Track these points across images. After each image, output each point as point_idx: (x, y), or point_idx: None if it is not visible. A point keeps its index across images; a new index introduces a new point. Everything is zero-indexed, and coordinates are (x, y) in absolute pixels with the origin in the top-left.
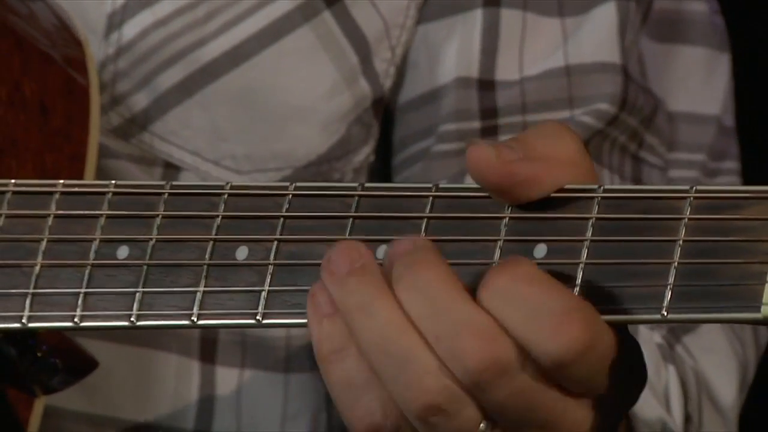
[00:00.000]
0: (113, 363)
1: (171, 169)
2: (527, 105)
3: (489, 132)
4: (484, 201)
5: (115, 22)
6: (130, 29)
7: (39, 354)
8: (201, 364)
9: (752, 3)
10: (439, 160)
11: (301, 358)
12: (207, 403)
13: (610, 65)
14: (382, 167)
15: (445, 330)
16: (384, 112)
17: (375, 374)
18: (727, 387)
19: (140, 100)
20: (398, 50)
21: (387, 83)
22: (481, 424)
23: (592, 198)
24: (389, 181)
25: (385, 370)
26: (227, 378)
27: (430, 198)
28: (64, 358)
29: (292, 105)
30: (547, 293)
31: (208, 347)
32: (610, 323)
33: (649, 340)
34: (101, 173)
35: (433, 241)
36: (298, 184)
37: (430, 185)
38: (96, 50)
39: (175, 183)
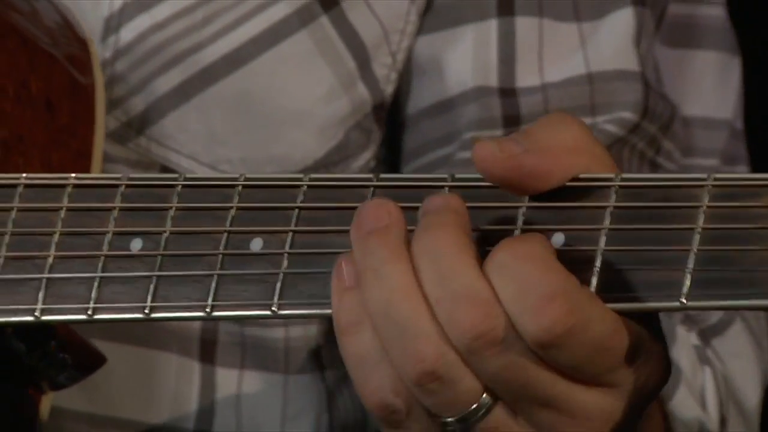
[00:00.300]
0: (114, 363)
1: (167, 173)
2: (550, 112)
3: None
4: (501, 190)
5: (112, 25)
6: (128, 33)
7: (48, 349)
8: (201, 364)
9: (757, 5)
10: (463, 167)
11: (301, 360)
12: (207, 404)
13: (631, 73)
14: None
15: (445, 295)
16: (392, 119)
17: (386, 351)
18: (751, 391)
19: (137, 104)
20: (399, 56)
21: (388, 89)
22: (483, 395)
23: (610, 186)
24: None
25: (387, 335)
26: (227, 379)
27: (446, 188)
28: (73, 354)
29: (289, 109)
30: (539, 273)
31: (207, 348)
32: (629, 312)
33: (686, 340)
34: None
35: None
36: (313, 175)
37: (445, 175)
38: (95, 47)
39: (188, 175)
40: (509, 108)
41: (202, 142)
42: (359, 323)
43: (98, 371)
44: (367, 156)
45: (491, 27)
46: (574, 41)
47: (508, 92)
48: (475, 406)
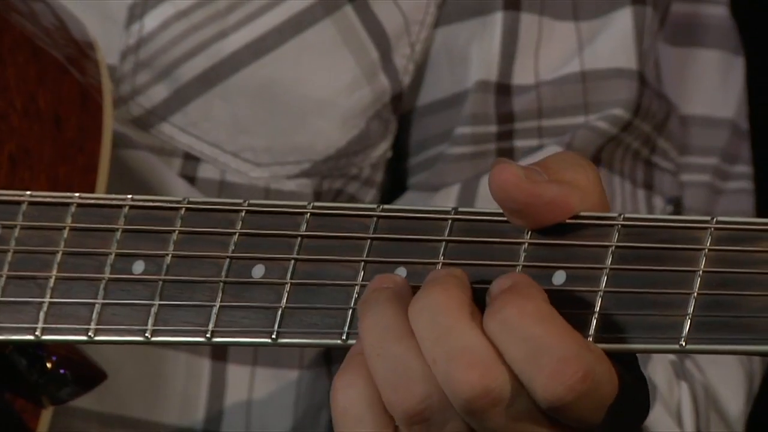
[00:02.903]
0: (123, 362)
1: (190, 160)
2: (543, 110)
3: (505, 136)
4: (504, 226)
5: (136, 13)
6: (152, 20)
7: (49, 365)
8: (212, 362)
9: (761, 5)
10: (453, 163)
11: (315, 355)
12: (216, 402)
13: (626, 71)
14: (398, 167)
15: (442, 352)
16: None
17: (369, 408)
18: (733, 399)
19: (160, 91)
20: (417, 47)
21: (406, 79)
22: None
23: (612, 225)
24: (403, 180)
25: (379, 374)
26: (238, 376)
27: (449, 221)
28: (73, 370)
29: (313, 99)
30: (552, 335)
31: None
32: (626, 353)
33: (662, 357)
34: (121, 163)
35: (451, 264)
36: (316, 203)
37: (449, 209)
38: (117, 40)
39: (192, 199)
40: (503, 105)
41: (225, 130)
42: (352, 381)
43: (107, 370)
44: (384, 146)
45: (497, 20)
46: (572, 41)
47: (503, 89)
48: None
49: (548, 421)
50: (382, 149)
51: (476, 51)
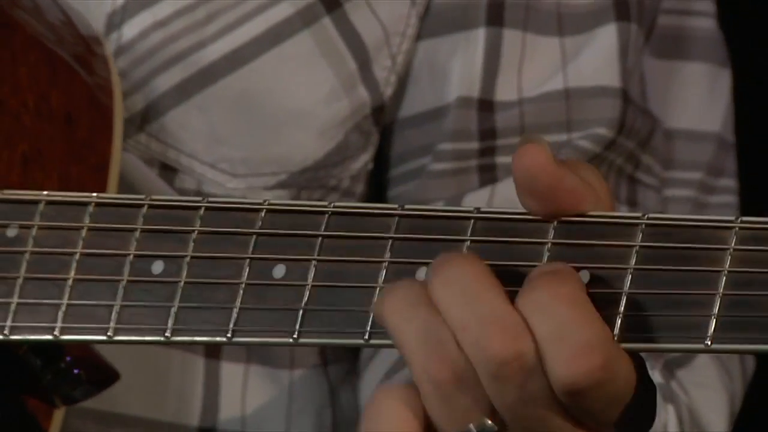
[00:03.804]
0: (118, 359)
1: (167, 170)
2: (525, 127)
3: (486, 153)
4: (527, 225)
5: (114, 22)
6: (130, 30)
7: (62, 365)
8: (206, 360)
9: (747, 18)
10: (435, 179)
11: (307, 354)
12: (212, 399)
13: (610, 89)
14: (378, 179)
15: (473, 318)
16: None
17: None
18: (716, 422)
19: (138, 101)
20: (399, 58)
21: (387, 91)
22: (489, 422)
23: (636, 225)
24: (383, 192)
25: (414, 339)
26: (232, 374)
27: (472, 221)
28: (87, 370)
29: (290, 110)
30: (579, 319)
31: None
32: (651, 352)
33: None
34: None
35: None
36: (337, 203)
37: (471, 208)
38: (108, 47)
39: (211, 198)
40: (485, 122)
41: (202, 141)
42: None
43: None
44: (365, 158)
45: (479, 36)
46: (555, 56)
47: (486, 105)
48: (472, 426)
49: (560, 409)
50: (363, 161)
51: (458, 66)
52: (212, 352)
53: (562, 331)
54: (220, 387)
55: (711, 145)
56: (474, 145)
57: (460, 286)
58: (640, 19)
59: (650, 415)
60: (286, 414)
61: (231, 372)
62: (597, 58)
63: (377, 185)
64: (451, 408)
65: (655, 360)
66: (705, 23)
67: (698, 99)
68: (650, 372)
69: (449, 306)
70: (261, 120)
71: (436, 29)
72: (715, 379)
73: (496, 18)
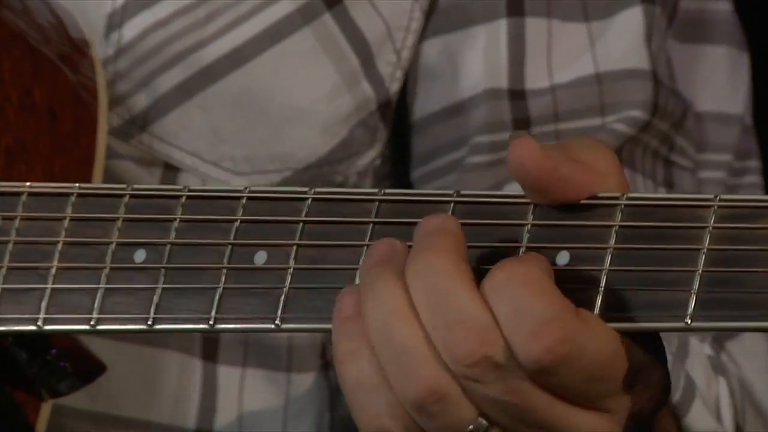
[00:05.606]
0: (116, 361)
1: (170, 170)
2: (559, 113)
3: None
4: (506, 208)
5: (114, 22)
6: (130, 30)
7: (49, 357)
8: (203, 362)
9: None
10: (473, 172)
11: (304, 358)
12: (209, 402)
13: (640, 71)
14: (401, 179)
15: (441, 320)
16: (400, 120)
17: (384, 377)
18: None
19: (140, 101)
20: (404, 53)
21: (394, 87)
22: (479, 419)
23: (615, 206)
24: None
25: (386, 358)
26: (229, 377)
27: (452, 204)
28: (73, 362)
29: (292, 107)
30: (535, 298)
31: (210, 346)
32: (632, 332)
33: (699, 352)
34: (105, 173)
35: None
36: (318, 189)
37: (451, 191)
38: (96, 50)
39: (192, 187)
40: (519, 111)
41: (205, 140)
42: (358, 350)
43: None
44: (372, 154)
45: (501, 27)
46: (583, 41)
47: (517, 94)
48: (471, 427)
49: (547, 394)
50: (370, 157)
51: (479, 59)
52: (209, 354)
53: (518, 310)
54: (217, 389)
55: (736, 127)
56: (509, 135)
57: (427, 282)
58: (664, 2)
59: (662, 387)
60: (283, 417)
61: (228, 375)
62: (624, 40)
63: (405, 186)
64: (442, 423)
65: (702, 336)
66: (723, 6)
67: (722, 82)
68: (700, 345)
69: (419, 304)
70: (263, 118)
71: (450, 25)
72: (764, 347)
73: (516, 8)
